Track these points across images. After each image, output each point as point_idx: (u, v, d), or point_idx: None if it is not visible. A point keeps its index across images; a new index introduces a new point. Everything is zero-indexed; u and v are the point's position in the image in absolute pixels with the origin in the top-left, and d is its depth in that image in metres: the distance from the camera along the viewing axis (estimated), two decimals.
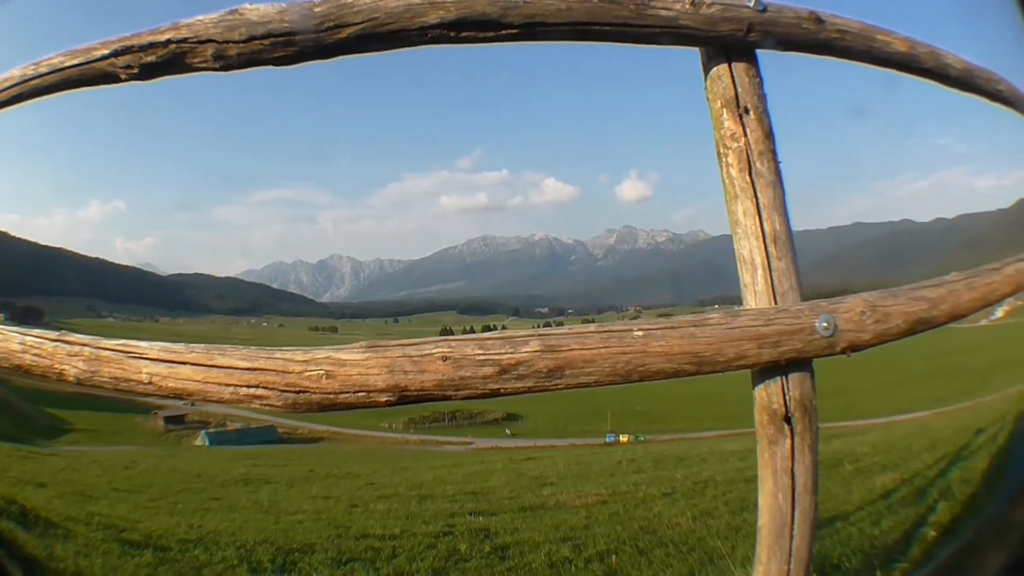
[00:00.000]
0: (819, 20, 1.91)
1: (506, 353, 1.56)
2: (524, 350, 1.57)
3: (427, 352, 1.55)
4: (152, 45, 1.74)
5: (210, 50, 1.69)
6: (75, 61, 1.92)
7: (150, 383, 1.71)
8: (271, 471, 15.81)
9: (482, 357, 1.55)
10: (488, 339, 1.58)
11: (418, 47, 1.73)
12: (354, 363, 1.55)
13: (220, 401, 1.66)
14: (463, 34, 1.68)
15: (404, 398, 1.56)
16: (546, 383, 1.59)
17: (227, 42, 1.67)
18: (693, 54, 1.94)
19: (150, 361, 1.72)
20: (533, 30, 1.71)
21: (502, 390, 1.58)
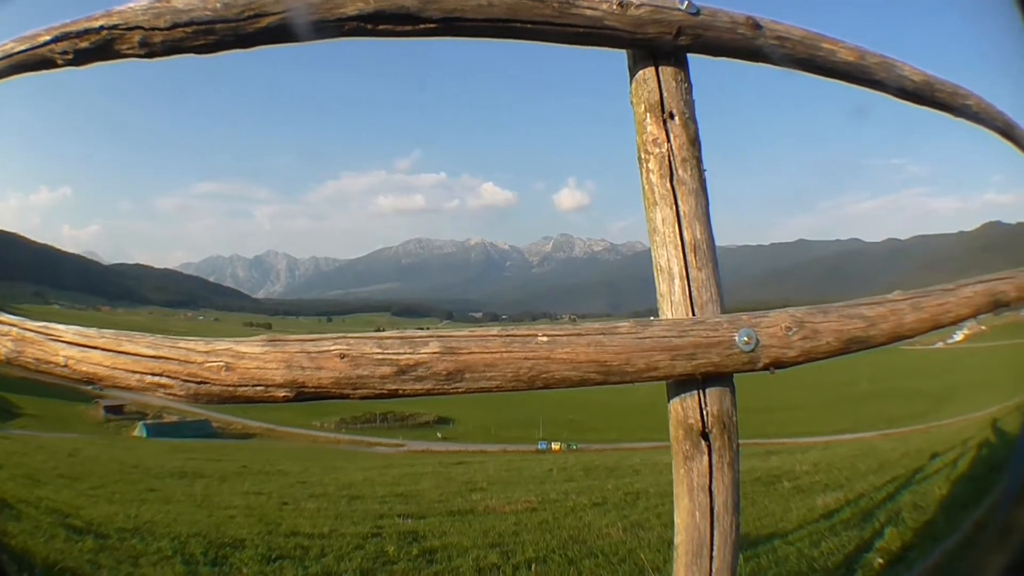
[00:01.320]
0: (756, 26, 1.87)
1: (405, 353, 1.53)
2: (423, 351, 1.53)
3: (325, 349, 1.53)
4: (87, 31, 1.76)
5: (137, 37, 1.70)
6: (23, 47, 1.93)
7: (66, 366, 1.71)
8: (205, 465, 16.27)
9: (380, 356, 1.52)
10: (387, 338, 1.55)
11: (336, 39, 1.71)
12: (253, 356, 1.53)
13: (128, 388, 1.65)
14: (380, 27, 1.68)
15: (302, 394, 1.54)
16: (446, 386, 1.55)
17: (153, 29, 1.67)
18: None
19: (66, 344, 1.71)
20: (452, 25, 1.70)
21: (400, 391, 1.55)
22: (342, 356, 1.52)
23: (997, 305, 2.59)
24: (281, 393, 1.54)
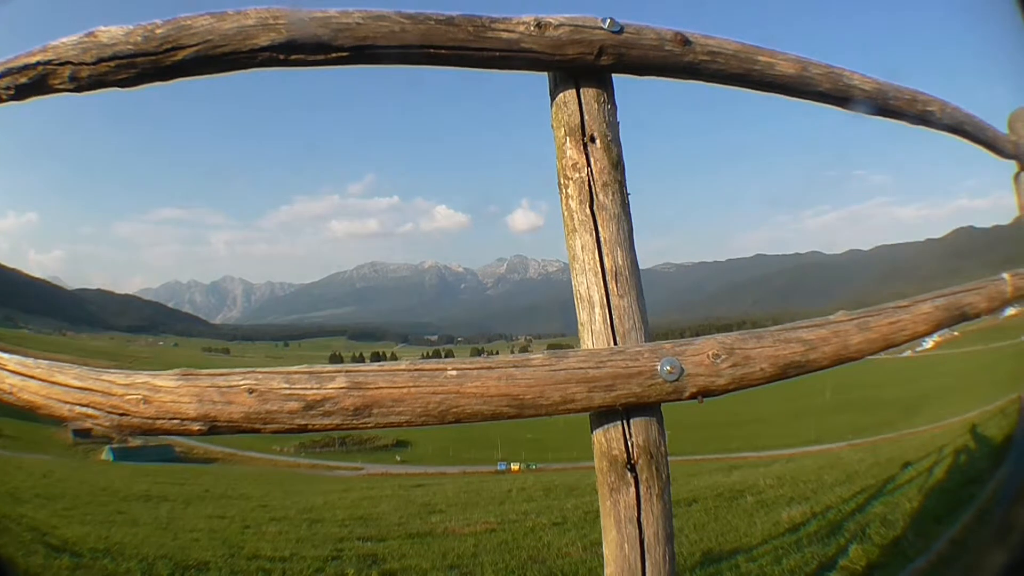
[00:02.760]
0: (685, 41, 1.83)
1: (311, 389, 1.53)
2: (330, 386, 1.53)
3: (234, 384, 1.54)
4: (25, 67, 1.77)
5: (67, 72, 1.72)
6: None
7: (11, 393, 1.76)
8: (169, 489, 17.05)
9: (287, 392, 1.53)
10: (294, 373, 1.55)
11: (249, 70, 1.71)
12: (168, 390, 1.55)
13: (62, 418, 1.69)
14: (293, 57, 1.67)
15: (215, 428, 1.55)
16: (354, 421, 1.55)
17: (81, 64, 1.69)
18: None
19: (9, 372, 1.76)
20: (364, 53, 1.69)
21: (309, 426, 1.55)
22: (250, 391, 1.53)
23: (964, 318, 2.51)
24: (195, 427, 1.55)
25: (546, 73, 1.82)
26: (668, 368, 1.64)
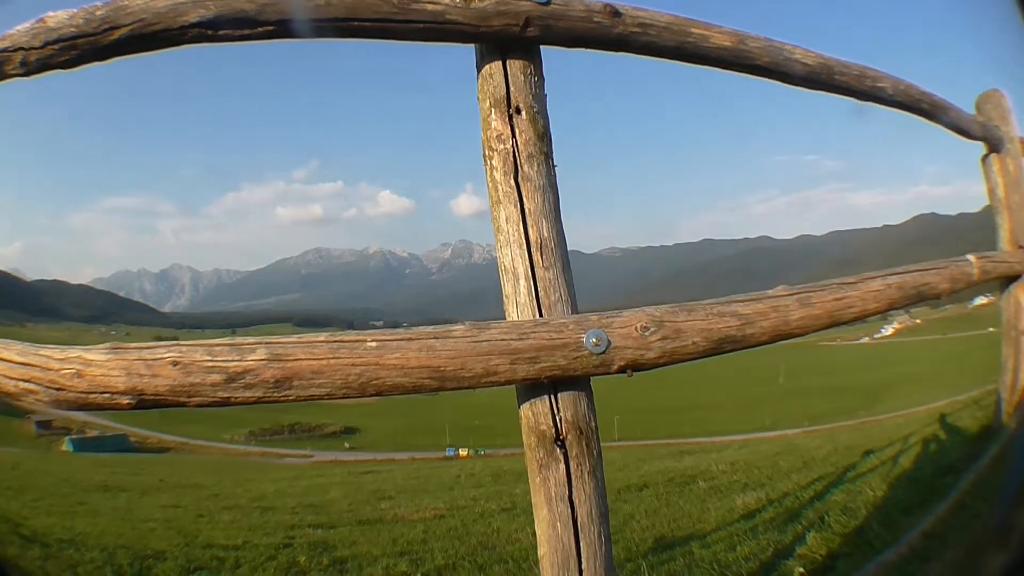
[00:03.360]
0: (615, 13, 1.83)
1: (233, 361, 1.53)
2: (250, 358, 1.53)
3: (159, 356, 1.53)
4: None
5: (19, 57, 1.74)
6: None
7: None
8: (126, 479, 17.59)
9: (210, 364, 1.52)
10: (216, 345, 1.55)
11: (181, 47, 1.73)
12: (99, 364, 1.54)
13: (7, 394, 1.68)
14: (221, 32, 1.69)
15: (143, 402, 1.55)
16: (275, 393, 1.55)
17: (31, 48, 1.71)
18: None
19: None
20: (289, 27, 1.70)
21: (232, 399, 1.55)
22: (174, 364, 1.52)
23: (921, 298, 2.48)
24: (124, 400, 1.54)
25: (473, 45, 1.82)
26: (594, 340, 1.63)
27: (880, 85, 2.51)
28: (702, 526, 5.24)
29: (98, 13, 1.66)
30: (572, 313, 1.71)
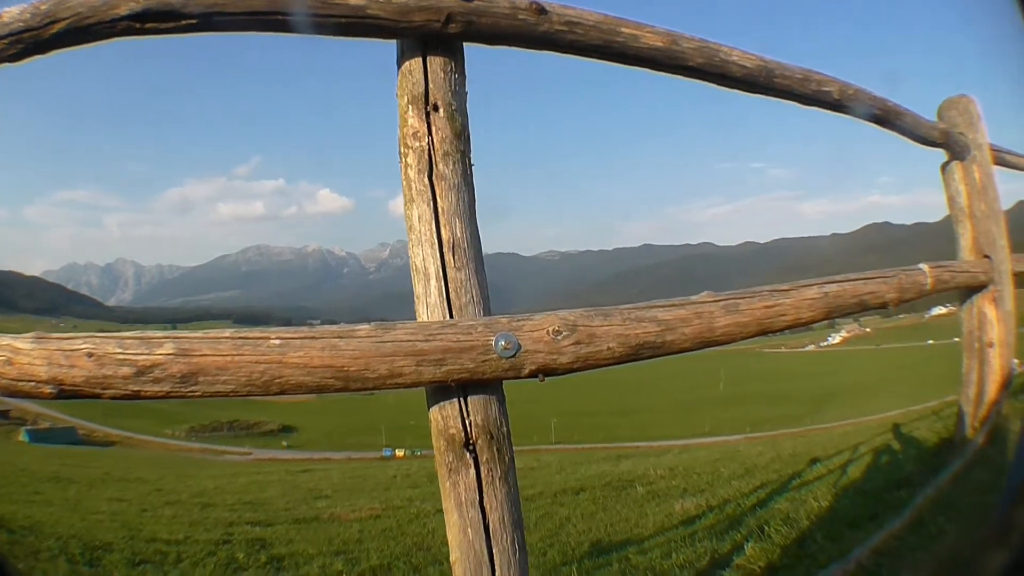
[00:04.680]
0: (541, 10, 1.86)
1: (142, 354, 1.57)
2: (158, 352, 1.56)
3: (76, 348, 1.57)
4: None
5: None
6: None
7: None
8: (75, 471, 18.78)
9: (121, 356, 1.56)
10: (127, 339, 1.59)
11: (112, 39, 1.79)
12: (25, 352, 1.58)
13: None
14: (147, 25, 1.74)
15: (63, 392, 1.59)
16: (182, 389, 1.58)
17: None
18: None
19: None
20: (212, 20, 1.75)
21: (142, 392, 1.58)
22: (89, 355, 1.56)
23: (864, 307, 2.51)
24: (47, 389, 1.58)
25: (395, 41, 1.85)
26: (504, 344, 1.66)
27: (826, 89, 2.54)
28: (640, 531, 5.39)
29: (43, 8, 1.72)
30: (485, 315, 1.74)
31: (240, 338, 1.60)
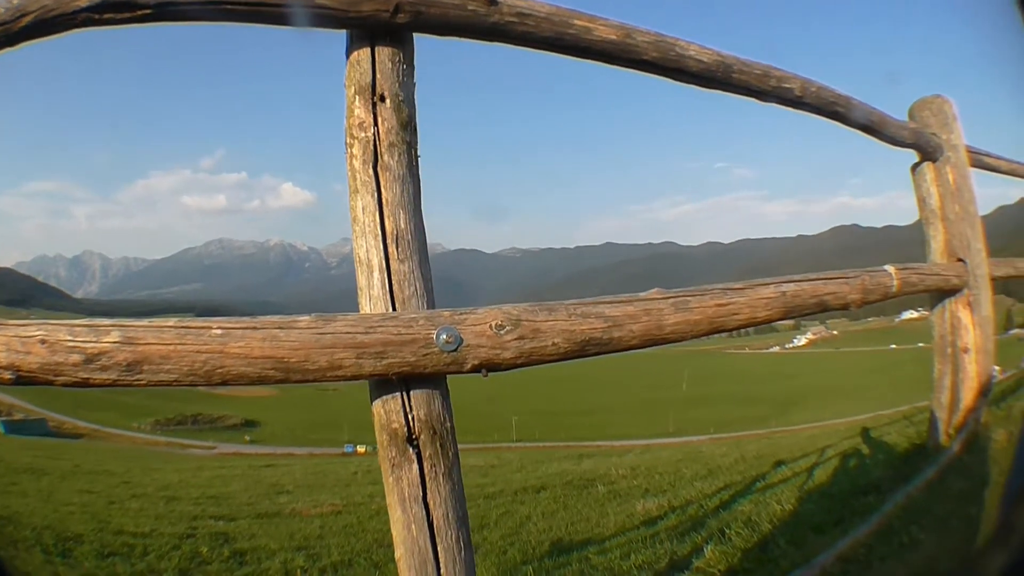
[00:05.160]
0: (491, 1, 1.90)
1: (90, 342, 1.58)
2: (106, 340, 1.58)
3: (31, 334, 1.59)
4: None
5: None
6: None
7: None
8: (47, 463, 19.36)
9: (71, 344, 1.58)
10: (76, 326, 1.61)
11: (73, 31, 1.83)
12: None
13: None
14: (106, 16, 1.77)
15: (21, 378, 1.61)
16: (128, 377, 1.60)
17: None
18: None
19: None
20: (166, 10, 1.77)
21: (90, 380, 1.60)
22: (42, 342, 1.58)
23: (824, 307, 2.54)
24: (6, 375, 1.59)
25: (344, 31, 1.87)
26: (445, 337, 1.67)
27: (787, 86, 2.57)
28: (601, 531, 5.49)
29: (15, 2, 1.75)
30: (429, 308, 1.76)
31: (183, 327, 1.61)
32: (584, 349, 1.85)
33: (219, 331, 1.61)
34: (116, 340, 1.57)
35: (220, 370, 1.60)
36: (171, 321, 1.63)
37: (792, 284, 2.35)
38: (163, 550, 6.08)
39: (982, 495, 3.05)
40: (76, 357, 1.56)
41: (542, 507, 7.57)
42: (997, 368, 4.05)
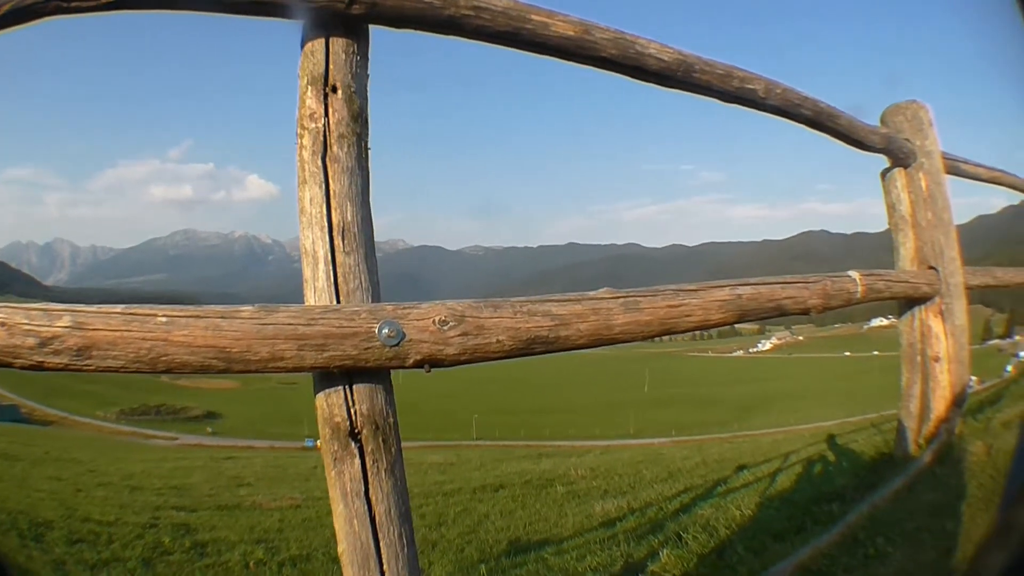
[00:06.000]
0: None
1: (44, 326, 1.61)
2: (58, 324, 1.61)
3: None
4: None
5: None
6: None
7: None
8: (20, 449, 20.51)
9: (28, 327, 1.61)
10: (32, 310, 1.63)
11: (44, 19, 1.86)
12: None
13: None
14: (72, 4, 1.81)
15: None
16: (78, 361, 1.62)
17: None
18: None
19: None
20: None
21: (45, 363, 1.63)
22: (2, 324, 1.61)
23: (782, 311, 2.61)
24: None
25: (300, 22, 1.92)
26: (387, 331, 1.72)
27: (750, 87, 2.63)
28: (559, 531, 5.66)
29: None
30: (373, 302, 1.81)
31: (130, 314, 1.64)
32: (530, 347, 1.90)
33: (164, 319, 1.64)
34: (67, 325, 1.61)
35: (164, 358, 1.64)
36: (118, 308, 1.67)
37: (748, 287, 2.42)
38: (127, 539, 6.29)
39: (959, 509, 3.07)
40: (31, 340, 1.59)
41: (500, 506, 7.80)
42: (974, 379, 4.12)
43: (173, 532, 6.82)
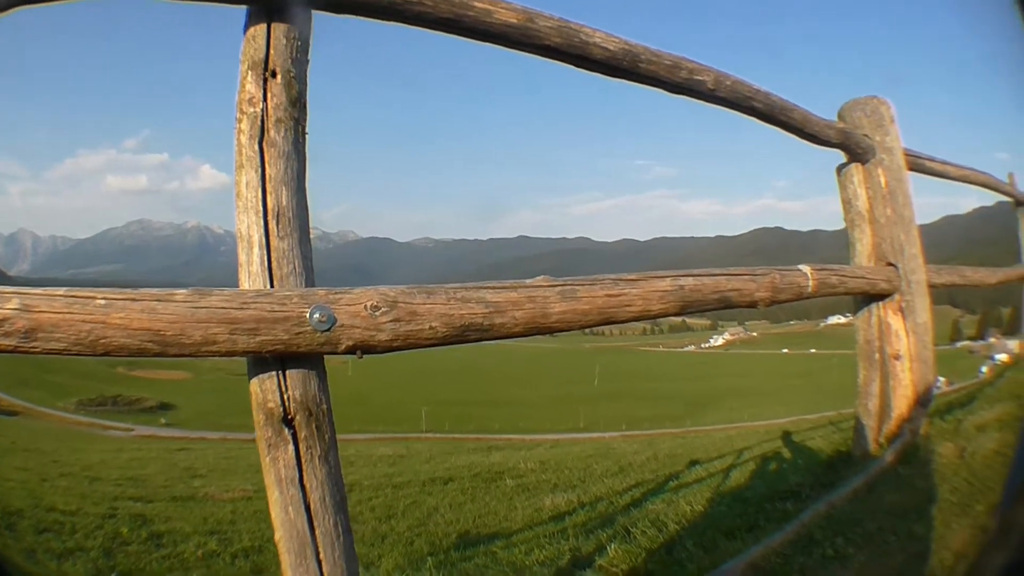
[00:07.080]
0: None
1: None
2: (7, 307, 1.66)
3: None
4: None
5: None
6: None
7: None
8: None
9: None
10: None
11: (13, 9, 1.93)
12: None
13: None
14: None
15: None
16: (26, 344, 1.68)
17: None
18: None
19: None
20: None
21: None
22: None
23: (727, 304, 2.72)
24: None
25: (244, 8, 2.01)
26: (318, 316, 1.80)
27: (699, 78, 2.74)
28: (508, 525, 5.82)
29: None
30: (306, 287, 1.90)
31: (71, 296, 1.70)
32: (464, 334, 2.00)
33: (103, 301, 1.71)
34: (16, 307, 1.66)
35: (103, 340, 1.70)
36: (61, 290, 1.75)
37: (691, 278, 2.52)
38: (88, 529, 6.63)
39: (928, 512, 3.13)
40: None
41: (450, 499, 8.08)
42: (942, 379, 4.25)
43: (131, 523, 7.12)
